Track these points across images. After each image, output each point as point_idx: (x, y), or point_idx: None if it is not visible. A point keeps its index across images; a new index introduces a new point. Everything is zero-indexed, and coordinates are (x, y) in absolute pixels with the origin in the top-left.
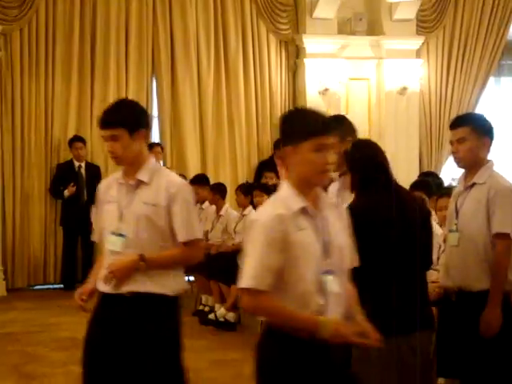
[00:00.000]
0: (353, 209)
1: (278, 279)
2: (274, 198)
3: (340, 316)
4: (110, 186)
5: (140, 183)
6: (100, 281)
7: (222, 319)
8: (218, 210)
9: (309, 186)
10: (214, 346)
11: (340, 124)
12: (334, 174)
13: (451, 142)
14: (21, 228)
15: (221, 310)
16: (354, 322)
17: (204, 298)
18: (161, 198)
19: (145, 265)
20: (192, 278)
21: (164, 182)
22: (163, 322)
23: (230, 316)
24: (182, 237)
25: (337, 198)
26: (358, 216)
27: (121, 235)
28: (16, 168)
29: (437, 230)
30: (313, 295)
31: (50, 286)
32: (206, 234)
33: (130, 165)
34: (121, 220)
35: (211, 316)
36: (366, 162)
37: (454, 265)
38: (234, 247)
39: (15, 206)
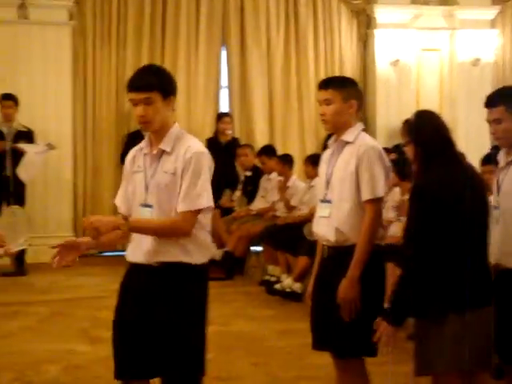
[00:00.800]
0: (419, 185)
1: None
2: None
3: None
4: (136, 156)
5: (163, 152)
6: (130, 251)
7: (288, 289)
8: (286, 181)
9: None
10: (280, 315)
11: (350, 85)
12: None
13: (488, 121)
14: (92, 196)
15: (287, 281)
16: None
17: (271, 268)
18: (178, 166)
19: (126, 225)
20: (260, 249)
21: (183, 149)
22: (190, 290)
23: (297, 287)
24: (179, 207)
25: None
26: (427, 192)
27: (148, 206)
28: (87, 138)
29: None
30: None
31: (118, 253)
32: (273, 204)
33: (157, 132)
34: (147, 191)
35: (277, 286)
36: (431, 134)
37: (494, 241)
38: (301, 218)
39: (86, 175)
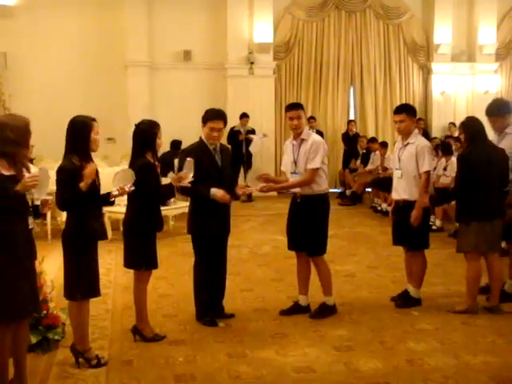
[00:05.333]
0: (463, 154)
1: None
2: None
3: None
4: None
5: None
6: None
7: (385, 210)
8: (383, 154)
9: None
10: (380, 223)
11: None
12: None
13: (395, 121)
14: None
15: (384, 205)
16: None
17: (375, 199)
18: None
19: None
20: (370, 189)
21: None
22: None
23: (389, 208)
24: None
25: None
26: (466, 158)
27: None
28: (282, 132)
29: None
30: None
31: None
32: (377, 167)
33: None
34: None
35: (379, 208)
36: (473, 128)
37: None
38: (391, 174)
39: (281, 150)
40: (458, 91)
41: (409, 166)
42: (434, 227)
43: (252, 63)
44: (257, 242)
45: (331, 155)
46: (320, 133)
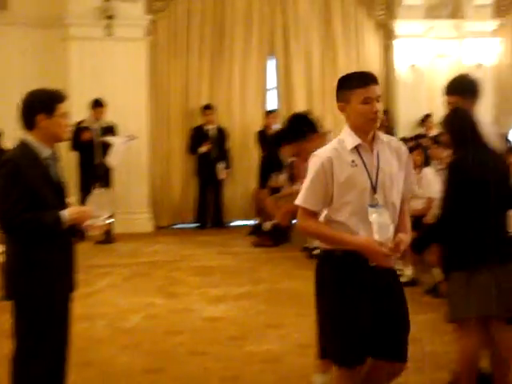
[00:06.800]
0: (451, 163)
1: None
2: None
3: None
4: None
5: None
6: None
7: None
8: None
9: None
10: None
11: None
12: None
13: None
14: (165, 178)
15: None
16: None
17: (308, 239)
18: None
19: None
20: None
21: None
22: None
23: None
24: None
25: None
26: (456, 169)
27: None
28: (160, 130)
29: None
30: None
31: (187, 225)
32: None
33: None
34: None
35: (315, 252)
36: (458, 126)
37: None
38: None
39: (160, 161)
40: (437, 64)
41: None
42: (402, 278)
43: (110, 17)
44: (121, 310)
45: (240, 166)
46: (221, 130)
